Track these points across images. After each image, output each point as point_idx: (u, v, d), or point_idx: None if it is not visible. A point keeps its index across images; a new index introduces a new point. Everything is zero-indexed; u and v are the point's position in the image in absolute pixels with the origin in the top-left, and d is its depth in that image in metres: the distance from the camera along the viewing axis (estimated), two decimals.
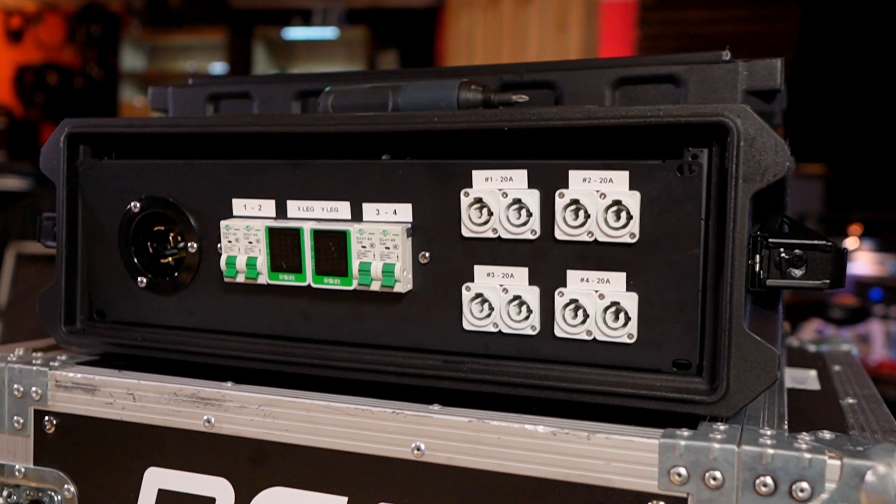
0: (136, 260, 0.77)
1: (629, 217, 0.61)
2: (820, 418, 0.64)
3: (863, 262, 2.85)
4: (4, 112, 5.55)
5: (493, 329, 0.66)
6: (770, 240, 0.60)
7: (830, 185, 3.29)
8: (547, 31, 4.35)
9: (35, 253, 4.17)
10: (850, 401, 0.70)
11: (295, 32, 5.35)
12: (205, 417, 0.67)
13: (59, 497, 0.73)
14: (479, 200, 0.65)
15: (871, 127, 3.17)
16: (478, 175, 0.65)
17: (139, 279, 0.77)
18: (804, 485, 0.51)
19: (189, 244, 0.75)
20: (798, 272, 0.60)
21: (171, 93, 0.93)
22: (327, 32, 5.26)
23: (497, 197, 0.64)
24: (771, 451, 0.52)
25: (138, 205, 0.76)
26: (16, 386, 0.73)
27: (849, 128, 3.37)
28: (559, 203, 0.63)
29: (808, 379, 0.81)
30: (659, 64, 0.74)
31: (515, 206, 0.64)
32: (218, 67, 5.37)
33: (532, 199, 0.63)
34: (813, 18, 3.81)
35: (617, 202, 0.61)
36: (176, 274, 0.76)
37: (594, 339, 0.63)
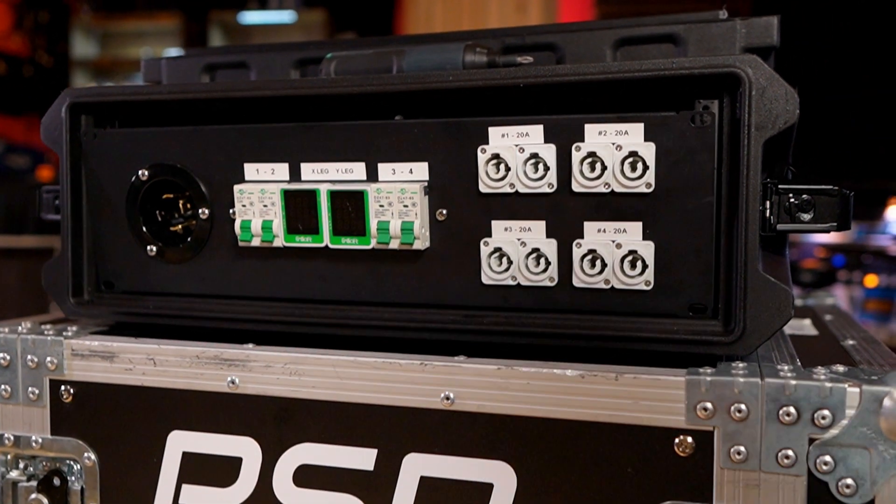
0: (144, 229, 0.77)
1: (645, 167, 0.63)
2: (827, 356, 0.67)
3: None
4: None
5: (511, 282, 0.67)
6: (780, 186, 0.63)
7: (795, 155, 3.36)
8: (506, 12, 4.36)
9: None
10: (850, 342, 0.73)
11: (251, 17, 5.28)
12: (229, 378, 0.68)
13: (79, 466, 0.72)
14: (496, 156, 0.66)
15: (834, 90, 3.23)
16: (494, 132, 0.67)
17: (149, 248, 0.77)
18: (825, 412, 0.54)
19: (200, 210, 0.75)
20: (807, 216, 0.63)
21: (164, 64, 0.93)
22: (284, 16, 5.20)
23: (514, 152, 0.66)
24: (793, 382, 0.55)
25: (146, 173, 0.76)
26: (29, 357, 0.73)
27: (809, 92, 3.44)
28: (576, 156, 0.64)
29: (804, 327, 0.84)
30: (659, 24, 0.76)
31: (532, 161, 0.65)
32: (172, 53, 5.28)
33: (549, 153, 0.65)
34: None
35: (633, 153, 0.63)
36: (187, 241, 0.76)
37: (612, 287, 0.65)
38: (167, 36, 5.30)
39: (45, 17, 5.49)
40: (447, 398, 0.62)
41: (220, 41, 5.39)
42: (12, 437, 0.74)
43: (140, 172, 0.76)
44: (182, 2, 5.28)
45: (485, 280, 0.68)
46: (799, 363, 0.63)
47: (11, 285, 4.03)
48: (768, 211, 0.62)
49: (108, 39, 5.62)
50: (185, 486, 0.69)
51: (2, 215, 4.45)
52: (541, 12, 4.31)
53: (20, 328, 0.76)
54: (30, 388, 0.73)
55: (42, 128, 0.79)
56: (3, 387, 0.74)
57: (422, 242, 0.68)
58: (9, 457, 0.74)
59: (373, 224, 0.68)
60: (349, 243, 0.70)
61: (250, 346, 0.69)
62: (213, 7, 5.32)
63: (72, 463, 0.73)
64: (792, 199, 0.63)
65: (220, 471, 0.68)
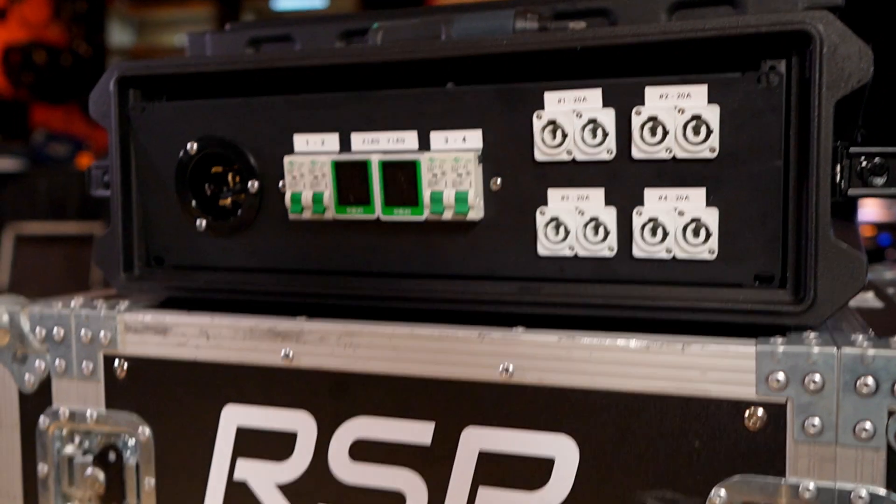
0: (194, 203, 0.76)
1: (709, 132, 0.61)
2: None
3: (872, 206, 2.85)
4: None
5: (569, 253, 0.65)
6: (851, 149, 0.60)
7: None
8: None
9: (34, 234, 4.15)
10: None
11: (284, 2, 5.29)
12: (283, 352, 0.67)
13: (134, 440, 0.72)
14: (552, 122, 0.64)
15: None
16: (550, 97, 0.65)
17: (198, 222, 0.76)
18: None
19: (249, 183, 0.74)
20: (880, 180, 0.60)
21: (209, 39, 0.92)
22: (316, 1, 5.20)
23: (571, 118, 0.64)
24: (871, 351, 0.53)
25: (195, 146, 0.75)
26: (83, 331, 0.73)
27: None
28: (636, 121, 0.62)
29: (868, 300, 0.82)
30: None
31: (590, 127, 0.63)
32: None
33: (608, 118, 0.63)
34: None
35: (696, 117, 0.61)
36: (237, 214, 0.75)
37: (674, 256, 0.63)
38: (201, 23, 5.33)
39: (83, 7, 5.55)
40: (506, 370, 0.61)
41: None
42: (67, 412, 0.74)
43: (188, 146, 0.75)
44: None
45: (541, 251, 0.66)
46: (872, 333, 0.61)
47: (54, 270, 4.09)
48: (839, 175, 0.60)
49: (144, 28, 5.67)
50: (239, 460, 0.69)
51: (44, 202, 4.52)
52: None
53: (73, 303, 0.76)
54: (84, 363, 0.73)
55: (90, 102, 0.78)
56: (57, 361, 0.74)
57: (476, 213, 0.67)
58: (64, 431, 0.75)
59: (425, 194, 0.67)
60: (401, 214, 0.68)
61: (304, 318, 0.68)
62: None
63: (127, 437, 0.73)
64: (864, 163, 0.60)
65: (275, 445, 0.68)
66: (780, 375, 0.54)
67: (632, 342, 0.58)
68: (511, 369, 0.61)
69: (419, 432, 0.63)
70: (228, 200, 0.77)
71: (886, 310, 0.75)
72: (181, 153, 0.76)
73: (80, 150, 4.94)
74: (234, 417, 0.69)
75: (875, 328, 0.64)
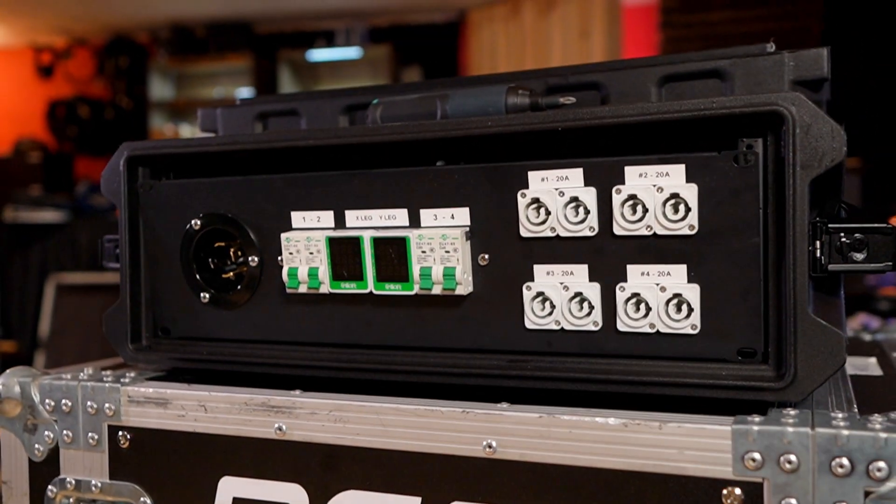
0: (198, 276, 0.79)
1: (687, 209, 0.62)
2: (888, 401, 0.64)
3: None
4: (38, 146, 5.67)
5: (555, 327, 0.67)
6: (830, 225, 0.60)
7: (867, 179, 3.26)
8: (570, 39, 4.36)
9: (75, 283, 4.25)
10: None
11: (319, 54, 5.41)
12: (276, 425, 0.69)
13: None
14: (536, 200, 0.66)
15: None
16: (534, 176, 0.66)
17: (202, 295, 0.79)
18: (881, 464, 0.52)
19: (250, 258, 0.77)
20: (860, 256, 0.60)
21: (220, 113, 0.96)
22: (351, 52, 5.32)
23: (554, 196, 0.65)
24: (846, 432, 0.53)
25: (199, 222, 0.78)
26: (89, 403, 0.75)
27: (881, 120, 3.34)
28: (616, 199, 0.63)
29: (868, 366, 0.81)
30: (704, 59, 0.75)
31: (573, 205, 0.65)
32: (244, 92, 5.45)
33: (589, 196, 0.64)
34: (836, 12, 3.79)
35: (674, 195, 0.62)
36: (238, 288, 0.78)
37: (657, 331, 0.64)
38: (239, 75, 5.47)
39: (125, 62, 5.75)
40: (489, 446, 0.62)
41: (290, 78, 5.53)
42: (73, 482, 0.76)
43: (193, 222, 0.78)
44: (252, 43, 5.45)
45: (528, 324, 0.67)
46: (856, 409, 0.61)
47: (94, 319, 4.18)
48: (819, 251, 0.60)
49: (183, 81, 5.84)
50: None
51: (85, 252, 4.64)
52: (604, 39, 4.30)
53: (81, 375, 0.79)
54: (90, 434, 0.76)
55: (102, 180, 0.82)
56: (65, 432, 0.77)
57: (464, 288, 0.68)
58: (70, 500, 0.77)
59: (415, 270, 0.69)
60: (393, 289, 0.70)
61: (297, 392, 0.70)
62: (282, 46, 5.48)
63: None
64: (844, 239, 0.60)
65: None
66: (756, 455, 0.55)
67: (610, 419, 0.59)
68: (494, 445, 0.62)
69: None
70: (231, 274, 0.80)
71: (884, 379, 0.74)
72: (186, 228, 0.79)
73: None
74: (231, 489, 0.70)
75: (862, 402, 0.64)
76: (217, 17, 5.35)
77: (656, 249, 0.63)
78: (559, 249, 0.66)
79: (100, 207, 5.10)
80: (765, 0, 4.01)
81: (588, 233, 0.65)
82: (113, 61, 5.74)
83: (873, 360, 0.84)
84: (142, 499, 0.74)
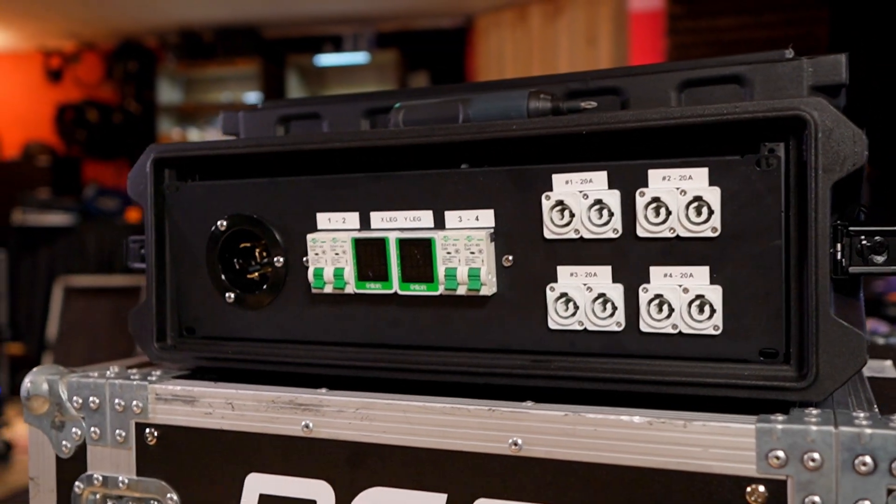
0: (223, 276, 0.80)
1: (710, 212, 0.63)
2: None
3: None
4: (47, 150, 5.70)
5: (578, 327, 0.68)
6: (850, 228, 0.62)
7: (876, 185, 3.27)
8: (577, 45, 4.37)
9: (82, 286, 4.27)
10: None
11: (327, 59, 5.44)
12: (303, 423, 0.70)
13: None
14: (560, 203, 0.67)
15: None
16: (558, 178, 0.68)
17: (227, 295, 0.80)
18: None
19: (275, 259, 0.78)
20: (880, 258, 0.62)
21: (241, 117, 0.97)
22: (358, 57, 5.34)
23: (578, 199, 0.66)
24: (869, 430, 0.54)
25: (225, 223, 0.80)
26: (117, 400, 0.77)
27: (889, 126, 3.35)
28: (640, 202, 0.65)
29: (885, 368, 0.82)
30: (723, 65, 0.76)
31: (597, 207, 0.66)
32: (252, 97, 5.48)
33: (613, 198, 0.66)
34: (842, 19, 3.80)
35: (697, 198, 0.63)
36: (262, 288, 0.79)
37: (680, 332, 0.65)
38: (247, 80, 5.50)
39: (134, 67, 5.77)
40: (515, 444, 0.63)
41: (297, 83, 5.56)
42: (101, 478, 0.77)
43: (219, 223, 0.80)
44: (260, 48, 5.48)
45: (551, 325, 0.68)
46: (876, 409, 0.62)
47: (102, 321, 4.20)
48: (840, 254, 0.61)
49: (192, 85, 5.86)
50: None
51: (93, 255, 4.66)
52: (611, 45, 4.31)
53: (108, 373, 0.80)
54: (117, 431, 0.77)
55: (129, 182, 0.83)
56: (93, 429, 0.78)
57: (488, 288, 0.69)
58: (97, 496, 0.78)
59: (440, 271, 0.70)
60: (418, 290, 0.71)
61: (323, 390, 0.71)
62: (290, 51, 5.50)
63: (156, 503, 0.76)
64: (864, 241, 0.62)
65: None
66: (780, 453, 0.56)
67: (635, 418, 0.60)
68: (520, 443, 0.63)
69: (432, 503, 0.65)
70: (256, 274, 0.81)
71: None
72: (212, 229, 0.80)
73: (129, 203, 5.10)
74: (257, 486, 0.72)
75: (882, 403, 0.65)
76: (225, 21, 5.38)
77: (679, 251, 0.64)
78: (583, 251, 0.67)
79: (108, 211, 5.13)
80: (771, 6, 4.03)
81: (612, 234, 0.66)
82: (121, 66, 5.77)
83: (889, 362, 0.85)
84: (168, 495, 0.75)
